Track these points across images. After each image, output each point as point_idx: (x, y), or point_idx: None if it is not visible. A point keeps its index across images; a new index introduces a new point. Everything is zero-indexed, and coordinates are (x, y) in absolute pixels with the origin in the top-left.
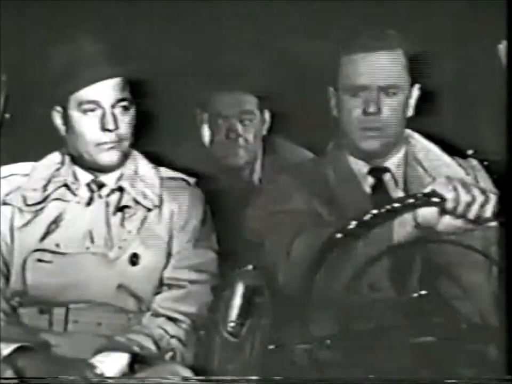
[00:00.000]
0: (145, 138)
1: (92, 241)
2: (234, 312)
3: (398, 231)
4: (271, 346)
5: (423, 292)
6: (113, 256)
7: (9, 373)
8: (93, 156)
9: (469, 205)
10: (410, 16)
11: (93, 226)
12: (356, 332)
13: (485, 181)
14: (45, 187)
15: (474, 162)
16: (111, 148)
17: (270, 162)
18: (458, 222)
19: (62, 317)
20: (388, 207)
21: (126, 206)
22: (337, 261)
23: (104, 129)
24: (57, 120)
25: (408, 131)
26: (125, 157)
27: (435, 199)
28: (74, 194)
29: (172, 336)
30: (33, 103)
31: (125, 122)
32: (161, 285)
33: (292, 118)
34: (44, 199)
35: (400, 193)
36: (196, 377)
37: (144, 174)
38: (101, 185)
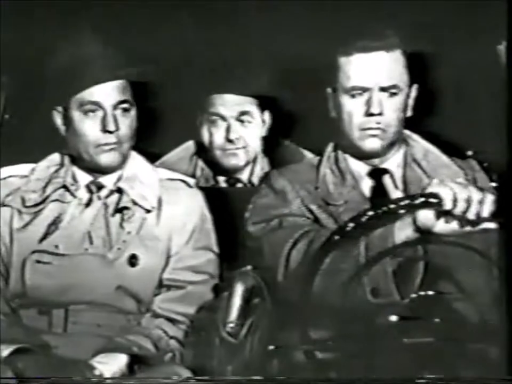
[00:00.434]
0: (145, 139)
1: (91, 242)
2: (233, 313)
3: (398, 234)
4: (271, 347)
5: (422, 293)
6: (112, 257)
7: (9, 374)
8: (92, 157)
9: (467, 204)
10: (410, 16)
11: (92, 227)
12: (355, 332)
13: (484, 182)
14: (44, 188)
15: (473, 163)
16: (111, 149)
17: (269, 164)
18: (456, 224)
19: (61, 318)
20: (384, 208)
21: (125, 208)
22: (336, 262)
23: (105, 130)
24: (58, 120)
25: (407, 132)
26: (124, 158)
27: (433, 200)
28: (74, 196)
29: (171, 337)
30: (33, 104)
31: (126, 124)
32: (160, 286)
33: (291, 119)
34: (43, 201)
35: (400, 194)
36: (195, 378)
37: (143, 175)
38: (100, 187)
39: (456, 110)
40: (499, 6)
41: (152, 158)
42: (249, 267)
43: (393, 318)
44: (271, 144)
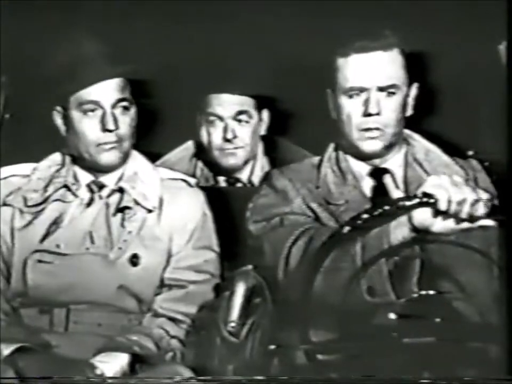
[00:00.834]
0: (145, 138)
1: (92, 242)
2: (234, 313)
3: (395, 234)
4: (272, 347)
5: (423, 292)
6: (114, 257)
7: (10, 373)
8: (93, 156)
9: (460, 204)
10: (410, 16)
11: (93, 227)
12: (355, 332)
13: (485, 182)
14: (45, 188)
15: (474, 162)
16: (111, 148)
17: (269, 163)
18: (453, 222)
19: (62, 317)
20: (380, 210)
21: (126, 207)
22: (335, 262)
23: (105, 129)
24: (58, 120)
25: (408, 131)
26: (125, 157)
27: (427, 200)
28: (75, 195)
29: (172, 337)
30: (33, 103)
31: (125, 122)
32: (161, 286)
33: (292, 119)
34: (44, 200)
35: (400, 194)
36: (196, 377)
37: (144, 175)
38: (101, 186)
39: (456, 109)
40: (499, 6)
41: (152, 157)
42: (250, 266)
43: (392, 316)
44: (270, 144)
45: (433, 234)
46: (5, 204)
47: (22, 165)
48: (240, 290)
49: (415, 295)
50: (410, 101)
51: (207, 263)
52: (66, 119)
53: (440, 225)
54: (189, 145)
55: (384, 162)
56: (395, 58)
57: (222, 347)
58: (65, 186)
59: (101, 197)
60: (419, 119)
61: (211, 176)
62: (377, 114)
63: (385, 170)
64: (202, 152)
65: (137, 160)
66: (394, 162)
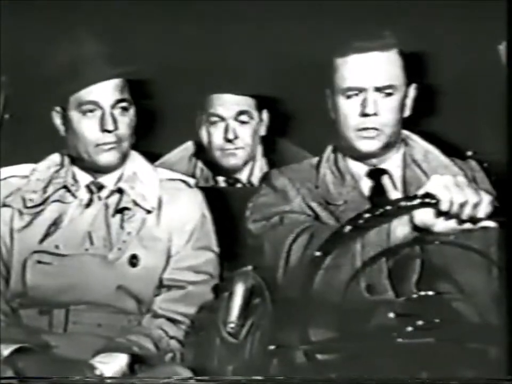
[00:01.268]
0: (145, 138)
1: (92, 242)
2: (234, 313)
3: (395, 233)
4: (271, 347)
5: (422, 293)
6: (113, 258)
7: (9, 374)
8: (92, 157)
9: (462, 205)
10: (410, 17)
11: (92, 228)
12: (354, 332)
13: (484, 182)
14: (44, 189)
15: (473, 163)
16: (111, 148)
17: (269, 163)
18: (454, 223)
19: (62, 318)
20: (381, 210)
21: (125, 208)
22: (334, 262)
23: (104, 130)
24: (57, 120)
25: (407, 132)
26: (124, 157)
27: (429, 201)
28: (74, 196)
29: (172, 337)
30: (32, 104)
31: (124, 123)
32: (160, 286)
33: (291, 119)
34: (44, 201)
35: (399, 195)
36: (195, 377)
37: (143, 176)
38: (100, 187)
39: (456, 110)
40: (499, 6)
41: (152, 158)
42: (249, 267)
43: (391, 315)
44: (270, 144)
45: (434, 234)
46: (4, 205)
47: (21, 166)
48: (239, 291)
49: (415, 295)
50: (409, 101)
51: (206, 264)
52: (66, 119)
53: (441, 225)
54: (189, 146)
55: (383, 163)
56: (393, 59)
57: (221, 348)
58: (65, 187)
59: (100, 198)
60: (418, 120)
61: (210, 176)
62: (375, 114)
63: (384, 171)
64: (202, 153)
65: (136, 160)
66: (392, 162)
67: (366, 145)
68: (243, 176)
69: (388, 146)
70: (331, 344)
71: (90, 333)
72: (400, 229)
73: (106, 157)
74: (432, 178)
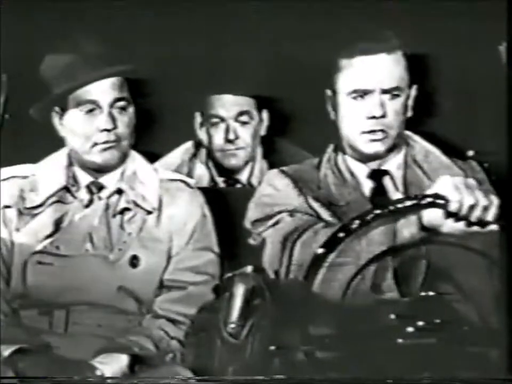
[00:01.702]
0: (145, 138)
1: (92, 243)
2: (234, 314)
3: (402, 232)
4: (272, 347)
5: (423, 294)
6: (113, 258)
7: (10, 374)
8: (92, 156)
9: (472, 207)
10: (410, 18)
11: (92, 228)
12: (356, 332)
13: (484, 183)
14: (45, 189)
15: (474, 163)
16: (110, 147)
17: (269, 164)
18: (462, 225)
19: (62, 318)
20: (391, 207)
21: (125, 208)
22: (339, 259)
23: (102, 129)
24: (56, 121)
25: (408, 133)
26: (123, 156)
27: (439, 201)
28: (74, 197)
29: (172, 338)
30: (33, 104)
31: (123, 121)
32: (161, 287)
33: (291, 120)
34: (44, 202)
35: (400, 196)
36: (196, 377)
37: (143, 176)
38: (100, 187)
39: (456, 110)
40: (499, 6)
41: (152, 158)
42: (250, 268)
43: (392, 317)
44: (270, 145)
45: (438, 235)
46: (4, 206)
47: (21, 166)
48: (240, 291)
49: (421, 295)
50: (411, 102)
51: (206, 264)
52: (65, 119)
53: (449, 226)
54: (189, 146)
55: (384, 164)
56: (399, 61)
57: (222, 348)
58: (65, 187)
59: (100, 198)
60: (419, 120)
61: (210, 177)
62: (382, 116)
63: (385, 172)
64: (202, 153)
65: (136, 161)
66: (393, 163)
67: (372, 147)
68: (243, 176)
69: (391, 148)
70: (331, 341)
71: (90, 333)
72: (407, 228)
73: (106, 156)
74: (442, 179)
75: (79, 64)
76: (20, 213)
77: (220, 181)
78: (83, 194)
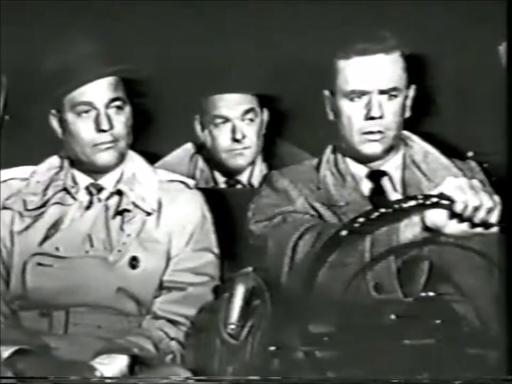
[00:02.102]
0: (144, 139)
1: (92, 244)
2: (234, 314)
3: (405, 232)
4: (271, 348)
5: (423, 294)
6: (113, 260)
7: (9, 376)
8: (89, 157)
9: (476, 209)
10: (410, 17)
11: (92, 230)
12: (356, 332)
13: (484, 183)
14: (44, 191)
15: (473, 164)
16: (107, 148)
17: (269, 164)
18: (466, 226)
19: (62, 320)
20: (396, 206)
21: (125, 210)
22: (341, 258)
23: (99, 129)
24: (54, 123)
25: (407, 133)
26: (122, 156)
27: (444, 201)
28: (74, 198)
29: (172, 339)
30: (33, 105)
31: (120, 121)
32: (160, 288)
33: (291, 120)
34: (44, 203)
35: (398, 197)
36: (196, 378)
37: (142, 177)
38: (99, 189)
39: (456, 110)
40: (499, 6)
41: (151, 158)
42: (250, 268)
43: (393, 317)
44: (270, 145)
45: (439, 235)
46: (4, 207)
47: (21, 168)
48: (240, 292)
49: (424, 295)
50: (409, 102)
51: (206, 265)
52: (62, 121)
53: (452, 227)
54: (188, 147)
55: (382, 165)
56: (396, 61)
57: (222, 349)
58: (64, 189)
59: (99, 200)
60: (418, 121)
61: (210, 177)
62: (380, 117)
63: (384, 173)
64: (203, 154)
65: (135, 162)
66: (392, 164)
67: (370, 148)
68: (243, 177)
69: (389, 149)
70: (331, 341)
71: (90, 334)
72: (410, 228)
73: (104, 157)
74: (448, 180)
75: (77, 64)
76: (20, 215)
77: (220, 181)
78: (82, 196)
